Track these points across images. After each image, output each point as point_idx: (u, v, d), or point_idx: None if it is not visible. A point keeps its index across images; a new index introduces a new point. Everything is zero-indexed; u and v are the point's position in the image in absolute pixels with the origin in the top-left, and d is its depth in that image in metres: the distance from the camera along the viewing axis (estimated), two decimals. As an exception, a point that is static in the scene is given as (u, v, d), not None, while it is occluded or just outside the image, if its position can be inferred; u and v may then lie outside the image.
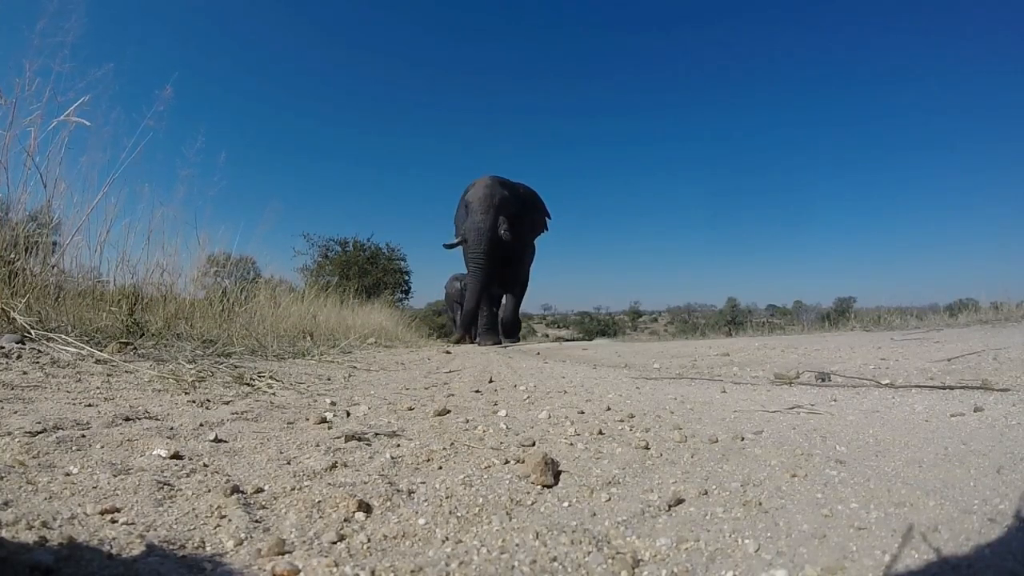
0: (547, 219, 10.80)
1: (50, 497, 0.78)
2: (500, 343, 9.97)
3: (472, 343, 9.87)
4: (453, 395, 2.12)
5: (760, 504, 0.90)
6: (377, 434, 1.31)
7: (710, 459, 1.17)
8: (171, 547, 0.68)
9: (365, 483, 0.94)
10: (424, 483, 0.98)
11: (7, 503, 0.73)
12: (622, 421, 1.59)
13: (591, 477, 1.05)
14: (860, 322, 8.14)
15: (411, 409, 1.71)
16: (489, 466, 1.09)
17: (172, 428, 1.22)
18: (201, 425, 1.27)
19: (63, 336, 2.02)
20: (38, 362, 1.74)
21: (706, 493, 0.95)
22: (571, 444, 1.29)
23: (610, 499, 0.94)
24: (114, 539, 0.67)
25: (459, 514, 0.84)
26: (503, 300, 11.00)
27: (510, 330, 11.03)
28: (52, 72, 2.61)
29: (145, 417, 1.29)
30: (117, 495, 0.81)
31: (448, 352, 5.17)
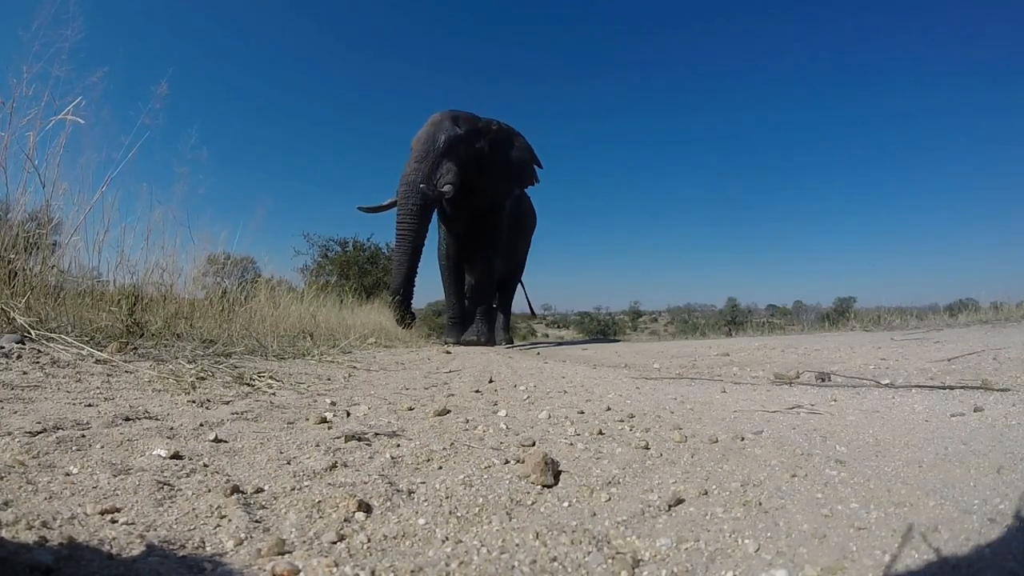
0: (536, 167, 8.26)
1: (50, 497, 0.78)
2: (479, 341, 7.66)
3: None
4: (453, 395, 2.12)
5: (760, 504, 0.90)
6: (377, 434, 1.31)
7: (710, 459, 1.17)
8: (171, 547, 0.67)
9: (365, 483, 0.94)
10: (424, 483, 0.98)
11: (7, 503, 0.73)
12: (622, 421, 1.59)
13: (591, 477, 1.04)
14: (860, 322, 8.15)
15: (411, 409, 1.71)
16: (489, 466, 1.09)
17: (172, 428, 1.22)
18: (201, 425, 1.26)
19: (63, 336, 2.02)
20: (38, 362, 1.74)
21: (706, 493, 0.95)
22: (571, 444, 1.29)
23: (610, 499, 0.94)
24: (114, 539, 0.67)
25: (459, 514, 0.84)
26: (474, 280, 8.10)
27: (477, 320, 8.02)
28: (50, 75, 2.61)
29: (145, 417, 1.29)
30: (117, 495, 0.81)
31: (448, 352, 5.17)
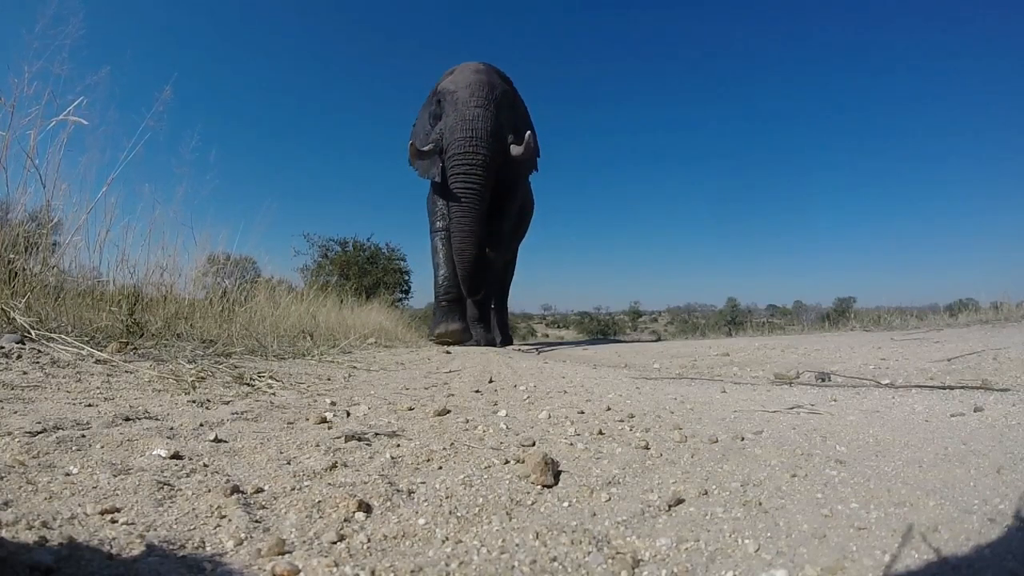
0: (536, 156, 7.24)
1: (50, 497, 0.78)
2: (494, 342, 7.27)
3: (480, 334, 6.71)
4: (453, 395, 2.12)
5: (760, 504, 0.90)
6: (377, 434, 1.31)
7: (710, 459, 1.17)
8: (171, 547, 0.67)
9: (365, 483, 0.94)
10: (424, 483, 0.98)
11: (7, 503, 0.73)
12: (622, 421, 1.59)
13: (591, 477, 1.04)
14: (860, 322, 8.15)
15: (411, 409, 1.71)
16: (489, 466, 1.09)
17: (172, 428, 1.22)
18: (201, 425, 1.26)
19: (63, 336, 2.02)
20: (38, 362, 1.74)
21: (706, 493, 0.95)
22: (571, 444, 1.29)
23: (610, 499, 0.94)
24: (114, 539, 0.67)
25: (459, 514, 0.84)
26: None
27: (485, 317, 7.27)
28: (51, 75, 2.62)
29: (145, 417, 1.29)
30: (117, 495, 0.81)
31: (448, 352, 5.16)
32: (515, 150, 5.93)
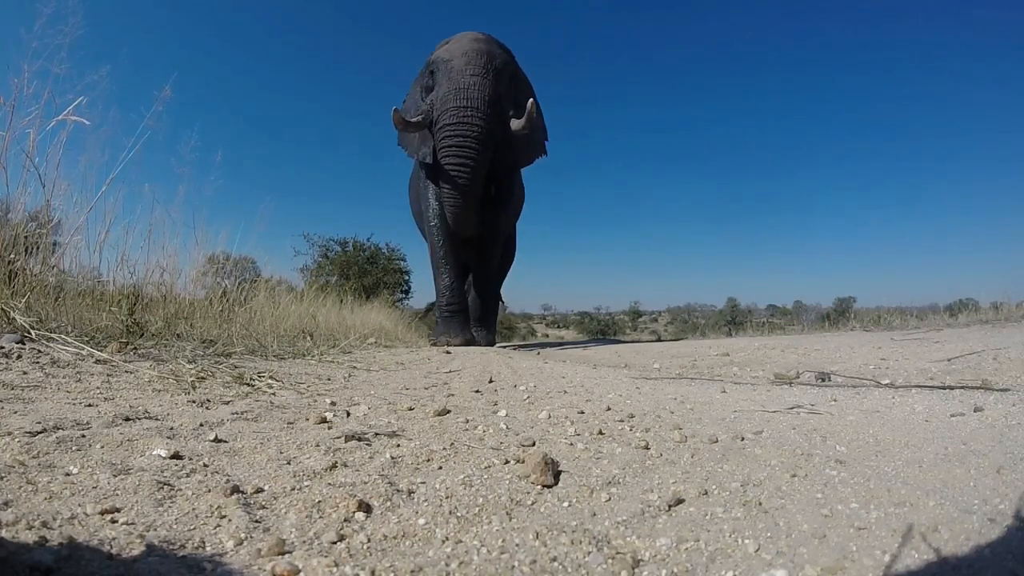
0: (544, 140, 6.54)
1: (50, 497, 0.78)
2: (494, 342, 7.16)
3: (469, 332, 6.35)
4: (453, 395, 2.12)
5: (760, 504, 0.90)
6: (377, 434, 1.31)
7: (710, 459, 1.17)
8: (171, 547, 0.67)
9: (365, 483, 0.94)
10: (424, 483, 0.98)
11: (7, 503, 0.73)
12: (622, 421, 1.59)
13: (591, 477, 1.04)
14: (860, 322, 8.15)
15: (411, 409, 1.71)
16: (489, 466, 1.09)
17: (172, 428, 1.22)
18: (201, 425, 1.26)
19: (63, 336, 2.02)
20: (38, 362, 1.74)
21: (706, 493, 0.95)
22: (571, 444, 1.29)
23: (610, 499, 0.94)
24: (114, 539, 0.67)
25: (459, 514, 0.84)
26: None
27: (486, 317, 7.06)
28: (50, 74, 2.62)
29: (145, 417, 1.29)
30: (117, 495, 0.81)
31: (448, 352, 5.16)
32: (515, 124, 5.37)
